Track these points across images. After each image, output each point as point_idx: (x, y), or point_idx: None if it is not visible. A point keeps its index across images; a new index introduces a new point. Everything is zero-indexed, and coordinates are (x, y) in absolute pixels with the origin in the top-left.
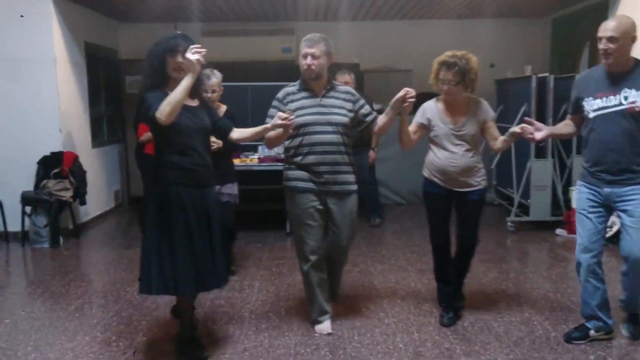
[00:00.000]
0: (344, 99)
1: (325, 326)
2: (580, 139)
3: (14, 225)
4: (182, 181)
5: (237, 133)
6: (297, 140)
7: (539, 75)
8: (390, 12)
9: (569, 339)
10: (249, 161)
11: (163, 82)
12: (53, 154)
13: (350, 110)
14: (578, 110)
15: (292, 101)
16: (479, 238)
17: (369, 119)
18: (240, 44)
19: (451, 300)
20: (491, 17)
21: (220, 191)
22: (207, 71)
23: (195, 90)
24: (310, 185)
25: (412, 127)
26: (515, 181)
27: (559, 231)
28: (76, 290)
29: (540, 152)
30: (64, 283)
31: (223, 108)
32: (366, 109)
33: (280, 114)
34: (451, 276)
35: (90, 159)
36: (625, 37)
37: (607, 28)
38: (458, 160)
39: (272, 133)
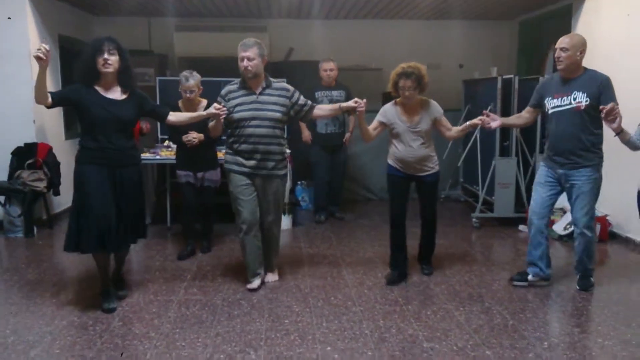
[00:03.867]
0: (279, 95)
1: (253, 284)
2: (542, 139)
3: None
4: (92, 161)
5: (173, 117)
6: (236, 131)
7: (505, 76)
8: (362, 12)
9: (511, 280)
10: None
11: (94, 79)
12: (27, 145)
13: (284, 105)
14: (538, 106)
15: (233, 98)
16: (436, 214)
17: (306, 107)
18: (213, 40)
19: (402, 266)
20: (460, 18)
21: (204, 177)
22: (186, 73)
23: (126, 84)
24: (243, 168)
25: (373, 124)
26: (481, 179)
27: (521, 227)
28: (51, 277)
29: (505, 151)
30: (40, 271)
31: (204, 102)
32: (302, 99)
33: (216, 104)
34: (403, 244)
35: (64, 151)
36: (574, 49)
37: (562, 41)
38: (415, 152)
39: (211, 123)
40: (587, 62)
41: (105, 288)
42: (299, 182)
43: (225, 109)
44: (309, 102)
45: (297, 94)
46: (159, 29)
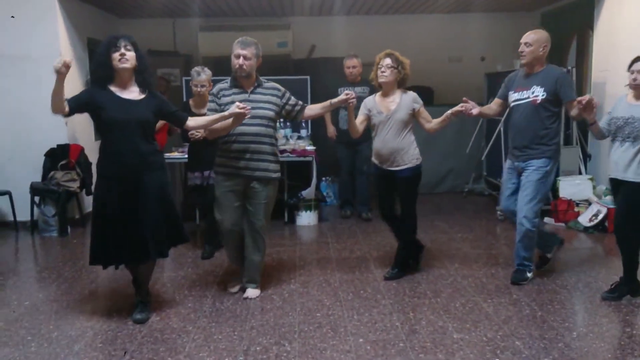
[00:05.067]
0: (271, 94)
1: (230, 285)
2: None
3: (23, 215)
4: (111, 174)
5: (192, 122)
6: None
7: None
8: (384, 7)
9: (537, 268)
10: None
11: (110, 77)
12: (59, 146)
13: (276, 104)
14: (503, 98)
15: (224, 96)
16: (412, 213)
17: (297, 108)
18: (237, 39)
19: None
20: (481, 11)
21: (210, 175)
22: (198, 68)
23: (144, 84)
24: (230, 170)
25: (359, 117)
26: None
27: (546, 220)
28: (88, 275)
29: None
30: (76, 269)
31: None
32: (293, 100)
33: (238, 103)
34: (398, 238)
35: (94, 151)
36: (537, 44)
37: (527, 36)
38: (389, 144)
39: (217, 125)
40: (610, 52)
41: (140, 298)
42: (323, 178)
43: (249, 108)
44: (300, 102)
45: (288, 94)
46: (183, 30)
